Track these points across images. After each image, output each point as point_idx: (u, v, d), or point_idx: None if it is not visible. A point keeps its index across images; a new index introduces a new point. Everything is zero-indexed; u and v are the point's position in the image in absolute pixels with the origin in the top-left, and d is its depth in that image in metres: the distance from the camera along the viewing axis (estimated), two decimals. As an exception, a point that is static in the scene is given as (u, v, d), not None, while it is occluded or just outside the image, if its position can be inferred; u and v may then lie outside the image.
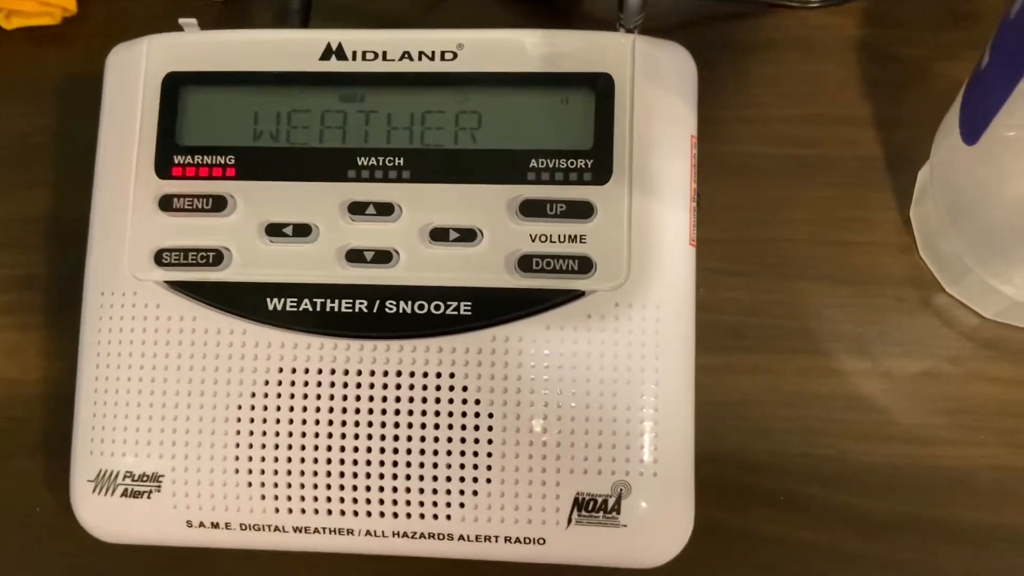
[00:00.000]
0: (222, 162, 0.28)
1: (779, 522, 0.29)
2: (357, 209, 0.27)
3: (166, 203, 0.28)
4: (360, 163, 0.27)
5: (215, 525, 0.27)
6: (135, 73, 0.28)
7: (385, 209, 0.27)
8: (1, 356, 0.32)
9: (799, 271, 0.31)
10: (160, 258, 0.27)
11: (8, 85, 0.35)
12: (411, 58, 0.28)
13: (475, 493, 0.26)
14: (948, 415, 0.29)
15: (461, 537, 0.26)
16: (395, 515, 0.26)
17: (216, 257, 0.27)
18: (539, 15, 0.34)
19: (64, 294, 0.32)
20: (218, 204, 0.27)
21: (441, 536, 0.26)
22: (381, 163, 0.27)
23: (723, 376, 0.30)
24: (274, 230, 0.27)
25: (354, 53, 0.28)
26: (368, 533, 0.26)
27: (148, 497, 0.27)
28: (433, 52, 0.27)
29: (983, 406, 0.29)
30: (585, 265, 0.26)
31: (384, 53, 0.28)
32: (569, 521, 0.26)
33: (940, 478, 0.29)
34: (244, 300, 0.27)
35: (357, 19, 0.34)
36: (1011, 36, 0.20)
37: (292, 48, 0.28)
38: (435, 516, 0.26)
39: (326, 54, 0.28)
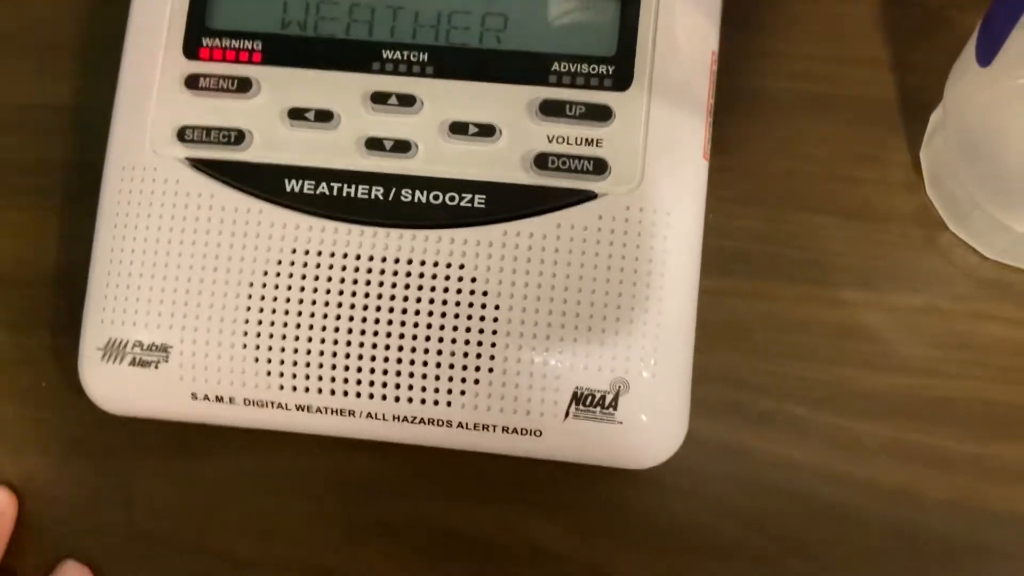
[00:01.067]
0: (249, 47, 0.28)
1: (770, 439, 0.29)
2: (379, 99, 0.27)
3: (192, 82, 0.28)
4: (385, 56, 0.28)
5: (219, 399, 0.27)
6: (166, -42, 0.29)
7: (407, 100, 0.27)
8: (17, 236, 0.32)
9: (808, 204, 0.31)
10: (182, 135, 0.28)
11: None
12: (440, -42, 0.28)
13: (476, 382, 0.26)
14: (945, 349, 0.30)
15: (460, 424, 0.27)
16: (396, 399, 0.27)
17: (238, 137, 0.28)
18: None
19: (83, 180, 0.32)
20: (243, 86, 0.28)
21: (440, 423, 0.27)
22: (406, 57, 0.28)
23: (726, 299, 0.30)
24: (296, 114, 0.28)
25: (384, -48, 0.28)
26: (369, 415, 0.27)
27: (156, 367, 0.27)
28: (464, -49, 0.28)
29: (979, 342, 0.30)
30: (600, 167, 0.27)
31: (416, -50, 0.28)
32: (567, 414, 0.26)
33: (931, 408, 0.29)
34: (263, 180, 0.27)
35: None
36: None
37: (323, -59, 0.28)
38: (436, 402, 0.26)
39: (357, -49, 0.28)
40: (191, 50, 0.28)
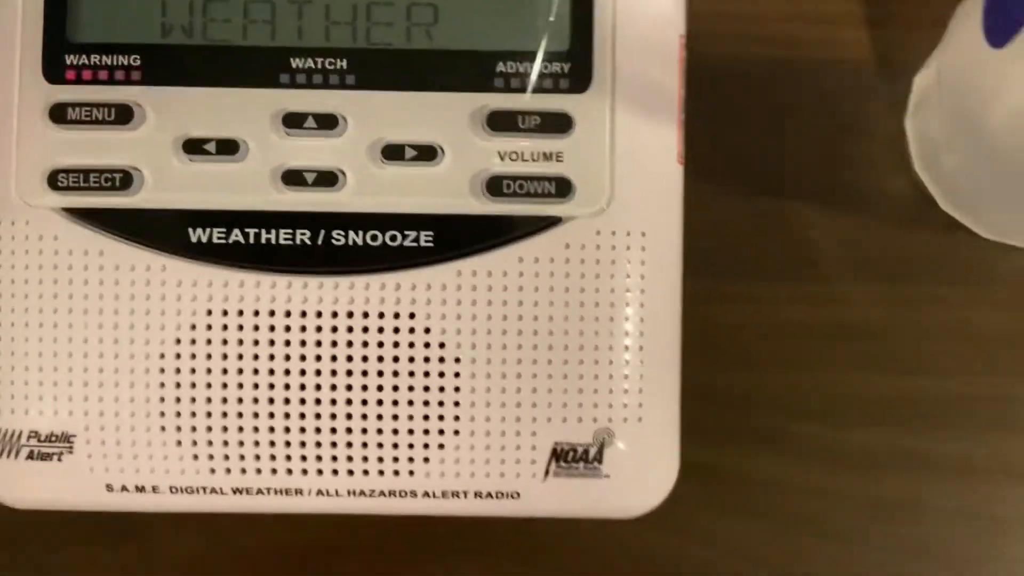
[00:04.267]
0: (125, 63, 0.23)
1: (763, 461, 0.27)
2: (293, 121, 0.23)
3: (59, 113, 0.23)
4: (295, 65, 0.23)
5: (140, 489, 0.23)
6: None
7: (327, 121, 0.23)
8: None
9: (787, 190, 0.28)
10: (55, 180, 0.23)
11: None
12: (352, -64, 0.23)
13: (441, 446, 0.23)
14: (947, 342, 0.27)
15: (426, 494, 0.23)
16: (350, 472, 0.23)
17: (124, 179, 0.23)
18: None
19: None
20: (123, 114, 0.23)
21: (403, 493, 0.23)
22: (320, 65, 0.23)
23: (706, 306, 0.27)
24: (194, 146, 0.23)
25: (283, -71, 0.23)
26: (320, 493, 0.23)
27: (59, 459, 0.23)
28: (379, -71, 0.23)
29: (981, 332, 0.27)
30: (563, 187, 0.23)
31: (319, -70, 0.23)
32: (547, 473, 0.23)
33: (936, 409, 0.27)
34: (161, 230, 0.23)
35: None
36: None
37: (206, -79, 0.23)
38: (396, 472, 0.23)
39: (249, -71, 0.23)
40: (53, 72, 0.23)
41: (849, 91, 0.29)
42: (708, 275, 0.27)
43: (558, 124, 0.23)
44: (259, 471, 0.23)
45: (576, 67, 0.23)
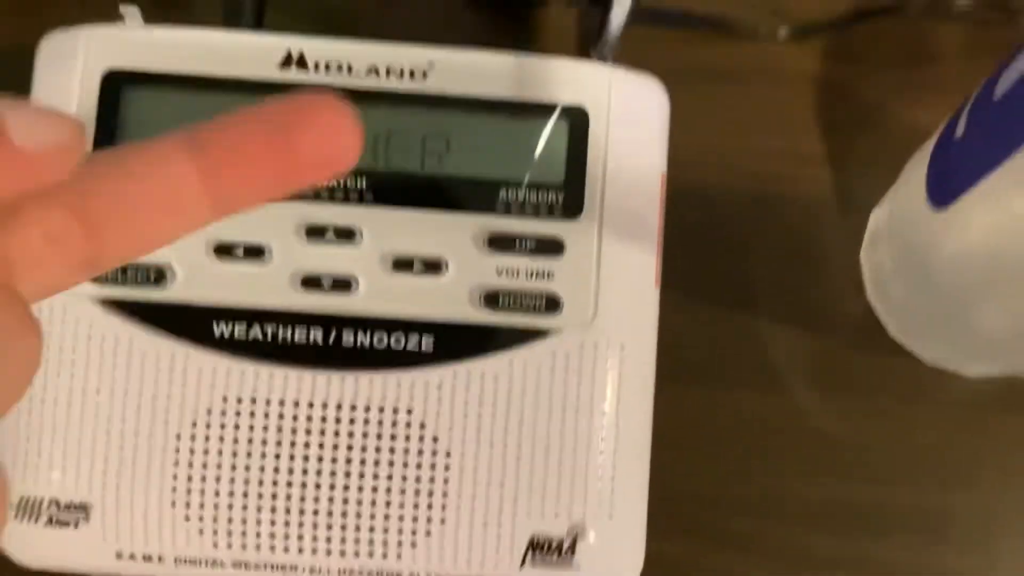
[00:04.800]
0: (167, 171, 0.26)
1: (722, 556, 0.29)
2: (315, 232, 0.26)
3: (104, 213, 0.25)
4: (319, 182, 0.26)
5: (147, 558, 0.25)
6: (70, 67, 0.26)
7: (345, 233, 0.26)
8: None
9: (755, 308, 0.31)
10: (95, 273, 0.25)
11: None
12: (378, 74, 0.26)
13: (428, 533, 0.25)
14: (890, 454, 0.30)
15: (411, 575, 0.25)
16: (343, 553, 0.25)
17: (158, 275, 0.25)
18: (499, 25, 0.33)
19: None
20: (162, 218, 0.25)
21: (390, 575, 0.25)
22: (342, 184, 0.26)
23: (675, 409, 0.30)
24: (224, 250, 0.25)
25: (316, 64, 0.26)
26: (312, 571, 0.25)
27: (76, 527, 0.25)
28: (402, 70, 0.26)
29: (923, 446, 0.30)
30: (552, 304, 0.26)
31: (349, 66, 0.26)
32: (523, 563, 0.25)
33: (880, 517, 0.29)
34: (188, 323, 0.25)
35: (312, 14, 0.32)
36: (997, 116, 0.21)
37: (250, 53, 0.26)
38: (384, 555, 0.25)
39: (286, 62, 0.26)
40: (100, 175, 0.26)
41: (811, 223, 0.32)
42: (679, 382, 0.30)
43: (551, 247, 0.26)
44: (259, 547, 0.25)
45: (569, 197, 0.26)
